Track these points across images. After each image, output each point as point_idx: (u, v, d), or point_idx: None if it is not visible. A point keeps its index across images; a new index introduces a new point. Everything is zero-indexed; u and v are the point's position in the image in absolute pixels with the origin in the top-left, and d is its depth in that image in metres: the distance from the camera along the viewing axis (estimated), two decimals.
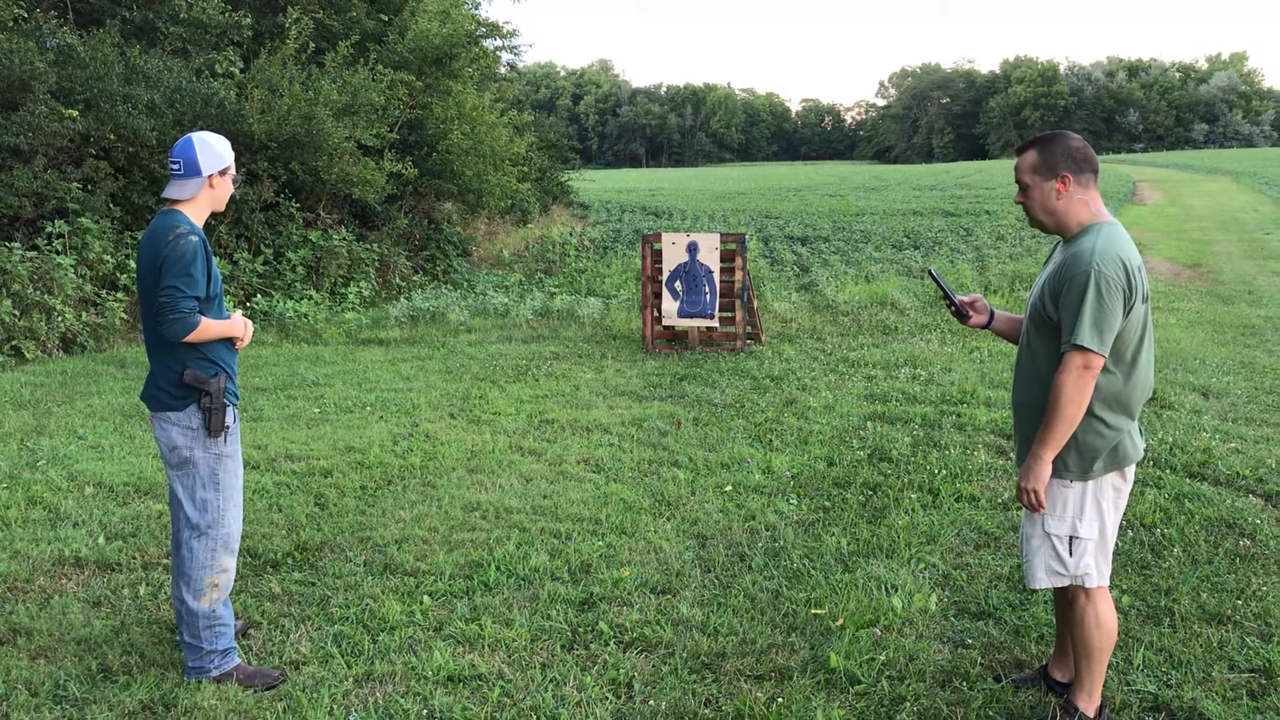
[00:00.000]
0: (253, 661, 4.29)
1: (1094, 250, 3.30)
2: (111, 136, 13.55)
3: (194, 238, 3.91)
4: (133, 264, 12.74)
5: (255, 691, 4.03)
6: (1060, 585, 3.53)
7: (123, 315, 12.19)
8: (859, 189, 43.62)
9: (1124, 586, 4.82)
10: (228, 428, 4.06)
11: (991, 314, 3.95)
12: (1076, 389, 3.29)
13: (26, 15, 14.15)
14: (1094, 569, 3.49)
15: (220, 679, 4.09)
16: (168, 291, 3.83)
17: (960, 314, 3.94)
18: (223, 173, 4.07)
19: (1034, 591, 4.74)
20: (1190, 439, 7.23)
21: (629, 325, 12.77)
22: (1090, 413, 3.38)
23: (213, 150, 4.03)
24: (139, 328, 12.50)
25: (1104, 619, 3.52)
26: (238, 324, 4.11)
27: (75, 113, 13.01)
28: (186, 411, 3.99)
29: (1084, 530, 3.46)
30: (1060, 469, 3.44)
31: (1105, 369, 3.36)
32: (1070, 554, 3.47)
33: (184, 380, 3.96)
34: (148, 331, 4.05)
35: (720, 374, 9.94)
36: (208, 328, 3.96)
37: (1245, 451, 6.95)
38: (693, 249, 11.13)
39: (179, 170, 3.98)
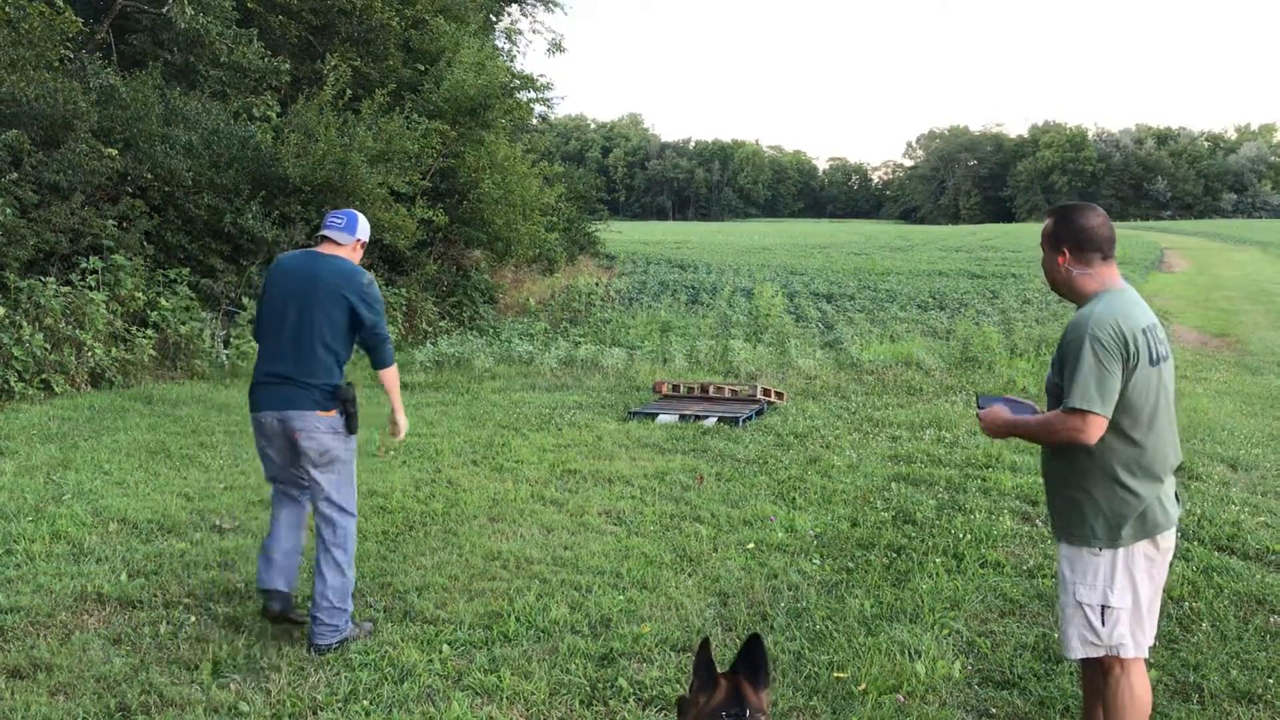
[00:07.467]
0: (268, 707, 4.27)
1: (1090, 316, 3.39)
2: (149, 176, 13.78)
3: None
4: (164, 301, 12.89)
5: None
6: (1095, 655, 3.48)
7: (151, 352, 12.29)
8: (885, 248, 43.73)
9: (1151, 660, 4.73)
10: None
11: None
12: (1060, 436, 3.40)
13: (72, 56, 14.46)
14: (1129, 639, 3.44)
15: (348, 639, 4.81)
16: (382, 327, 4.90)
17: None
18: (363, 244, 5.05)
19: (1060, 661, 4.67)
20: (1218, 511, 7.13)
21: (653, 377, 12.77)
22: (1114, 479, 3.38)
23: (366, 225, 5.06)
24: (167, 364, 12.61)
25: (1138, 692, 3.47)
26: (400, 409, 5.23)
27: (115, 151, 13.25)
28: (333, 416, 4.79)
29: (1115, 600, 3.42)
30: (1089, 536, 3.42)
31: (1124, 435, 3.38)
32: (1103, 623, 3.43)
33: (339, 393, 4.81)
34: (307, 340, 4.75)
35: (743, 429, 9.91)
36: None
37: (1275, 526, 6.85)
38: None
39: (341, 224, 4.92)
